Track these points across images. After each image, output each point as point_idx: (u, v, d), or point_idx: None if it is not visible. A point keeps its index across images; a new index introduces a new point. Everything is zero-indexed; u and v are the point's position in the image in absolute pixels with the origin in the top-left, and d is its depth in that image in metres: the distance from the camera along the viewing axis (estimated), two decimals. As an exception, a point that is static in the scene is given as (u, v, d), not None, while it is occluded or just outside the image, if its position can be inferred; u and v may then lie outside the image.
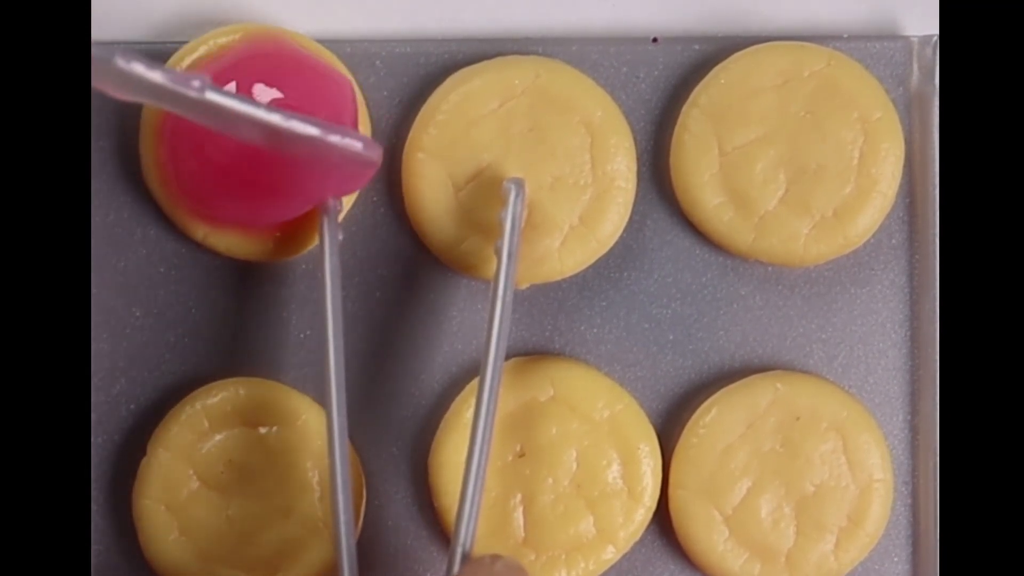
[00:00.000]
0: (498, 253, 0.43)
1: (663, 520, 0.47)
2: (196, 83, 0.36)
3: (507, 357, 0.46)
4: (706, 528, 0.46)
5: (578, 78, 0.47)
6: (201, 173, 0.44)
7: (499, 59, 0.47)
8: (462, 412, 0.46)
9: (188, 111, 0.38)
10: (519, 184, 0.44)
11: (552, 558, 0.46)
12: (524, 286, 0.46)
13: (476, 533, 0.42)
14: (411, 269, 0.47)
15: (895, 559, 0.47)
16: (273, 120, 0.39)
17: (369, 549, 0.46)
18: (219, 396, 0.46)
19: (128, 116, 0.46)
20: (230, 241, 0.46)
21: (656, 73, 0.47)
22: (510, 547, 0.46)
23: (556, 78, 0.46)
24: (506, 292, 0.43)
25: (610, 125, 0.46)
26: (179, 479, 0.45)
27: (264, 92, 0.43)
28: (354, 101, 0.45)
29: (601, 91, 0.47)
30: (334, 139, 0.40)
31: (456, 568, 0.41)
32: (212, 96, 0.37)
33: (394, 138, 0.47)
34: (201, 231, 0.46)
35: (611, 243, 0.47)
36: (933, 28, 0.47)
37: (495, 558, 0.40)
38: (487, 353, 0.42)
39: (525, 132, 0.46)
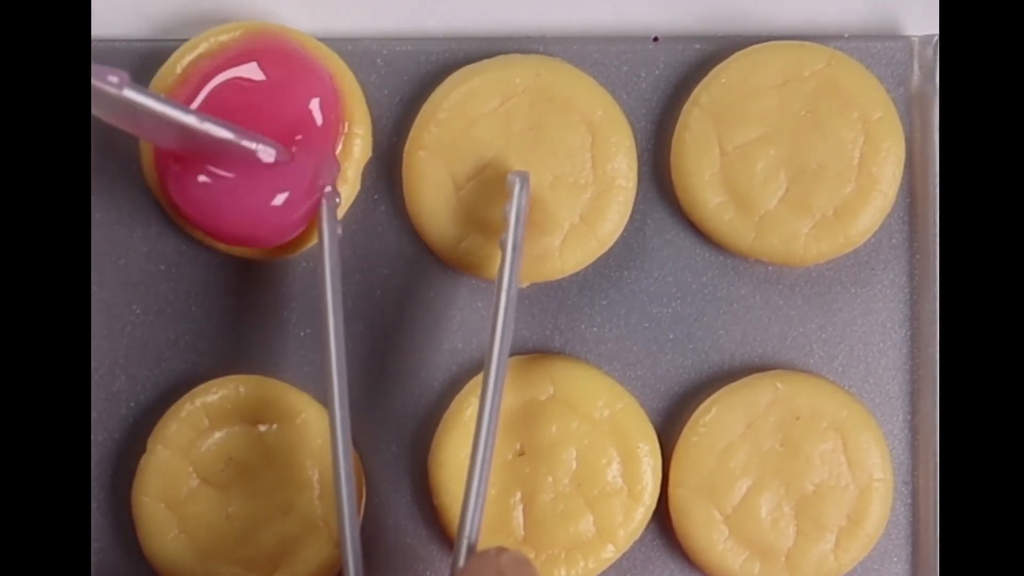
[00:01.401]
0: (503, 246, 0.43)
1: (663, 519, 0.47)
2: (114, 79, 0.36)
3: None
4: (706, 527, 0.46)
5: (579, 77, 0.47)
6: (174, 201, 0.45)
7: (500, 58, 0.47)
8: (462, 410, 0.46)
9: (112, 112, 0.38)
10: (524, 177, 0.44)
11: (552, 557, 0.46)
12: (524, 285, 0.46)
13: (481, 526, 0.42)
14: (411, 267, 0.47)
15: (895, 559, 0.47)
16: (188, 121, 0.40)
17: (369, 547, 0.46)
18: (219, 393, 0.46)
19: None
20: (230, 239, 0.46)
21: (657, 72, 0.47)
22: (510, 545, 0.46)
23: (557, 77, 0.46)
24: (511, 285, 0.43)
25: (611, 124, 0.46)
26: (179, 476, 0.45)
27: (244, 84, 0.44)
28: (335, 93, 0.45)
29: (602, 90, 0.47)
30: (248, 144, 0.42)
31: (462, 561, 0.41)
32: (130, 94, 0.37)
33: (395, 136, 0.47)
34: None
35: (611, 242, 0.47)
36: (933, 28, 0.47)
37: (500, 550, 0.40)
38: (492, 347, 0.43)
39: (526, 131, 0.46)
